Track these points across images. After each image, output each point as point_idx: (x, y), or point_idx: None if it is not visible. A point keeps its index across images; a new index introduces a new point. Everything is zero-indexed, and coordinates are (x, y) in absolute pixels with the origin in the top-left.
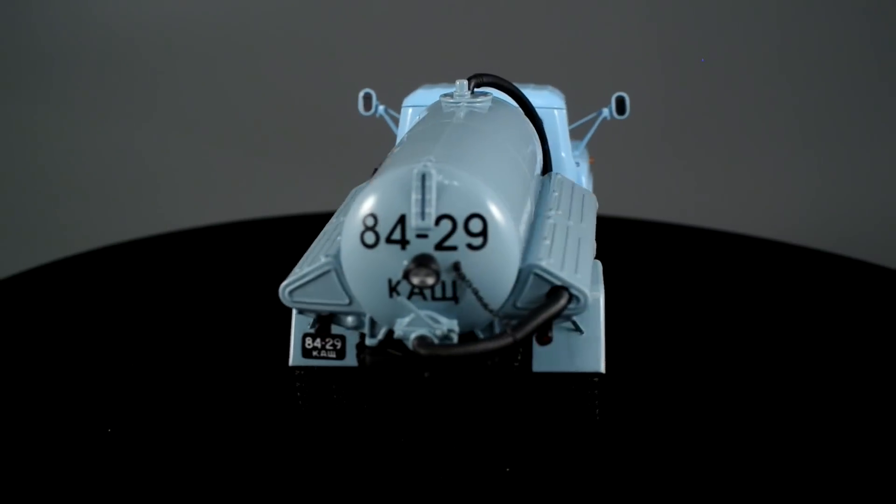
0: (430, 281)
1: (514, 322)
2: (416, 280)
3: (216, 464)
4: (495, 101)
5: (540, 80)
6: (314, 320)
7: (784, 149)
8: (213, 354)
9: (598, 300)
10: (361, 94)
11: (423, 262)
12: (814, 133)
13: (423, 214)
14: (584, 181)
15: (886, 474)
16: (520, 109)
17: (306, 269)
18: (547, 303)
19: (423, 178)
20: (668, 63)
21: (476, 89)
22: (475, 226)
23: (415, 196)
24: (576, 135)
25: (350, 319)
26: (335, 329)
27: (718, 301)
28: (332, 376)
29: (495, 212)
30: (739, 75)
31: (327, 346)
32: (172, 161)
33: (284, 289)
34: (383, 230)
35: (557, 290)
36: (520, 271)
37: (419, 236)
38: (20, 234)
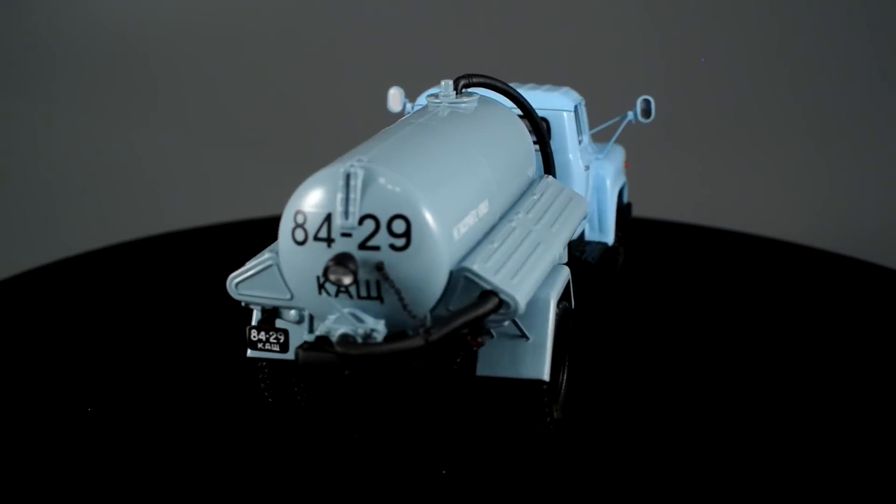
0: (347, 280)
1: (430, 324)
2: (332, 278)
3: (201, 457)
4: (484, 101)
5: (555, 81)
6: (259, 313)
7: (792, 149)
8: (210, 353)
9: (546, 306)
10: (391, 91)
11: (340, 260)
12: (821, 134)
13: (346, 213)
14: (608, 183)
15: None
16: (511, 111)
17: (251, 263)
18: (469, 306)
19: (348, 177)
20: (673, 63)
21: (465, 89)
22: (398, 227)
23: (339, 195)
24: (601, 137)
25: (293, 314)
26: (281, 323)
27: (724, 299)
28: (293, 369)
29: (420, 213)
30: (742, 76)
31: (271, 339)
32: (171, 162)
33: (231, 281)
34: (311, 228)
35: (486, 295)
36: (452, 274)
37: (344, 235)
38: (20, 235)
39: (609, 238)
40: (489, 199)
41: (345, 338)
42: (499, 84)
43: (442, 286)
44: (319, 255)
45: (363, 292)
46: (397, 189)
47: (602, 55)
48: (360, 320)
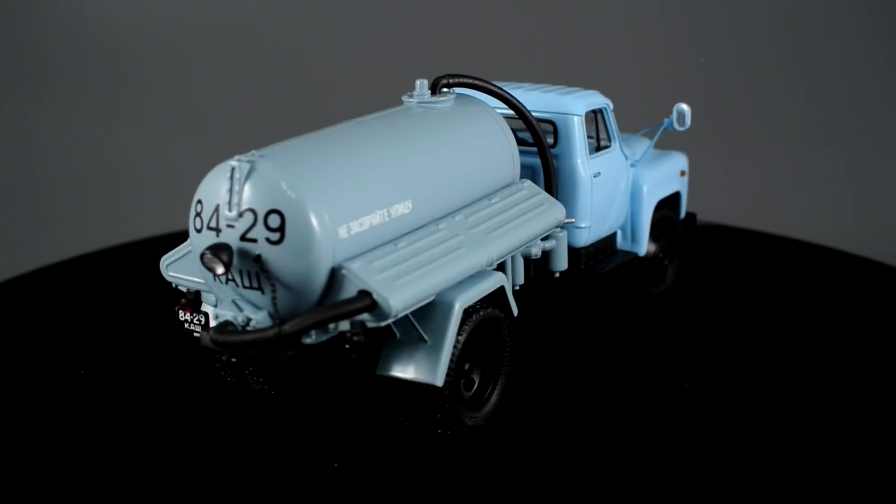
0: (219, 270)
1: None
2: (206, 266)
3: (196, 455)
4: (464, 101)
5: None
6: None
7: (800, 148)
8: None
9: (449, 311)
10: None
11: (214, 250)
12: (829, 133)
13: (230, 205)
14: (645, 191)
15: None
16: (492, 113)
17: (181, 246)
18: (335, 303)
19: (233, 171)
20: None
21: (445, 89)
22: (273, 221)
23: (225, 187)
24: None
25: (211, 297)
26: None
27: (730, 298)
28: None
29: (294, 210)
30: (746, 75)
31: (194, 321)
32: (171, 163)
33: (163, 262)
34: (205, 217)
35: (362, 294)
36: (334, 270)
37: (228, 226)
38: (19, 237)
39: (639, 249)
40: (413, 199)
41: (222, 325)
42: (484, 84)
43: (320, 282)
44: (209, 243)
45: (247, 282)
46: (274, 185)
47: (603, 55)
48: (240, 309)
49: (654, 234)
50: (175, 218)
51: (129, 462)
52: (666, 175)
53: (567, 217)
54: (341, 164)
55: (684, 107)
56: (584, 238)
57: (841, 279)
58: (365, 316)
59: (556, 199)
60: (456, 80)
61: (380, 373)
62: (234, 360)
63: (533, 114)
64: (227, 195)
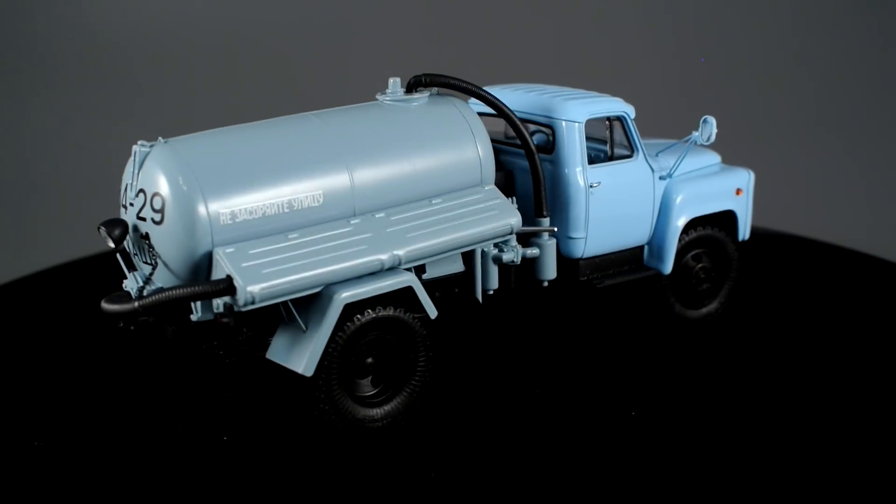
0: (109, 244)
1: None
2: (102, 238)
3: (194, 456)
4: (436, 101)
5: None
6: None
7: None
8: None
9: (328, 304)
10: None
11: (107, 225)
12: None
13: (131, 185)
14: (675, 206)
15: None
16: (463, 115)
17: None
18: (194, 284)
19: (134, 154)
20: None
21: (420, 88)
22: (157, 203)
23: (130, 169)
24: None
25: None
26: None
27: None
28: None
29: (172, 194)
30: (746, 75)
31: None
32: None
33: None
34: (122, 195)
35: (225, 278)
36: (212, 253)
37: (130, 204)
38: (18, 237)
39: (663, 267)
40: (326, 193)
41: (115, 295)
42: (465, 85)
43: (195, 262)
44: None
45: (144, 257)
46: (160, 169)
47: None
48: (138, 281)
49: (695, 254)
50: None
51: (129, 462)
52: (710, 191)
53: (560, 227)
54: (241, 155)
55: (711, 119)
56: (580, 249)
57: (854, 279)
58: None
59: (545, 205)
60: (433, 80)
61: (269, 357)
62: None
63: (533, 118)
64: (129, 176)
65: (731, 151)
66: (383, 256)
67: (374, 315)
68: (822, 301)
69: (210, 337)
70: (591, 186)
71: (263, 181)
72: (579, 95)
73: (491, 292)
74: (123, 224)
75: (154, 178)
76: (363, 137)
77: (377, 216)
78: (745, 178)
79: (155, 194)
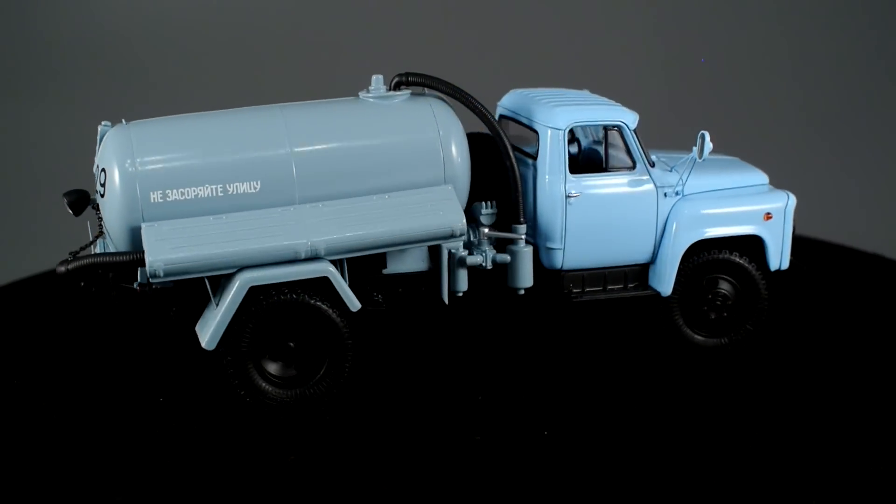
0: (70, 211)
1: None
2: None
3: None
4: (413, 100)
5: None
6: None
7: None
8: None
9: (234, 284)
10: None
11: (67, 193)
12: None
13: (96, 162)
14: (677, 224)
15: None
16: (429, 114)
17: None
18: (110, 253)
19: (98, 132)
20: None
21: (402, 86)
22: (102, 177)
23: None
24: None
25: None
26: None
27: None
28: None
29: (112, 170)
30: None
31: None
32: None
33: None
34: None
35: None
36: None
37: (97, 177)
38: (19, 238)
39: (662, 288)
40: (263, 181)
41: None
42: (440, 86)
43: (125, 235)
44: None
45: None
46: (108, 147)
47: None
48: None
49: (713, 279)
50: None
51: (129, 462)
52: (726, 213)
53: (538, 236)
54: (185, 139)
55: (705, 134)
56: (558, 260)
57: (861, 279)
58: None
59: (521, 211)
60: (413, 79)
61: (196, 328)
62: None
63: (525, 122)
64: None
65: (732, 151)
66: (297, 244)
67: (280, 299)
68: (831, 302)
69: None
70: (569, 196)
71: (200, 165)
72: (575, 101)
73: (460, 294)
74: (81, 193)
75: (104, 154)
76: (317, 130)
77: (307, 206)
78: (777, 202)
79: (103, 169)
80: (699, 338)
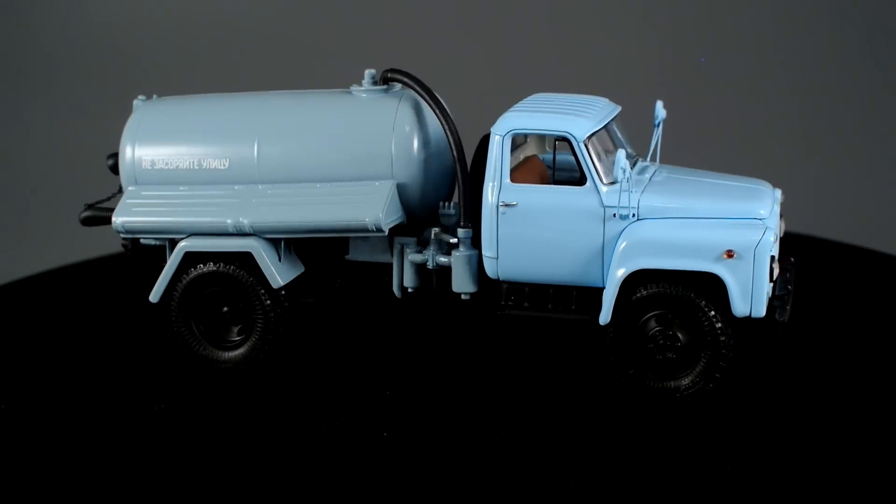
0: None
1: None
2: None
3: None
4: (388, 94)
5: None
6: None
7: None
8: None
9: (174, 253)
10: None
11: (111, 157)
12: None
13: None
14: (621, 248)
15: None
16: (391, 110)
17: None
18: (99, 208)
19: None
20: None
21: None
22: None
23: None
24: None
25: None
26: None
27: None
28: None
29: (122, 138)
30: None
31: None
32: None
33: None
34: None
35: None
36: None
37: None
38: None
39: (600, 316)
40: (231, 160)
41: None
42: (414, 85)
43: None
44: None
45: None
46: (128, 120)
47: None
48: None
49: (663, 315)
50: None
51: (129, 462)
52: (676, 244)
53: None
54: (184, 117)
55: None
56: (493, 269)
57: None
58: None
59: (463, 215)
60: (392, 76)
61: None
62: None
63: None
64: None
65: (731, 151)
66: (228, 220)
67: (210, 269)
68: (830, 298)
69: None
70: (504, 205)
71: (184, 140)
72: (537, 108)
73: (410, 290)
74: (115, 155)
75: (126, 126)
76: (289, 117)
77: (259, 187)
78: (744, 238)
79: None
80: (655, 382)
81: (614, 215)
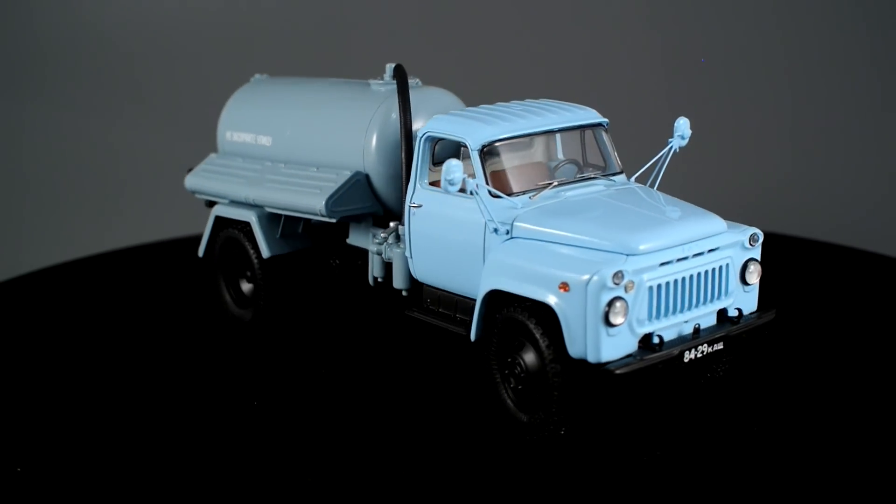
0: None
1: None
2: None
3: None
4: (381, 92)
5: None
6: None
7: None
8: (205, 360)
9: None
10: None
11: None
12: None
13: None
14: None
15: None
16: (373, 106)
17: None
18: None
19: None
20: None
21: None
22: None
23: None
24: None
25: None
26: None
27: None
28: None
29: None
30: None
31: None
32: (171, 167)
33: None
34: None
35: None
36: None
37: None
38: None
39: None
40: (273, 138)
41: None
42: (397, 84)
43: None
44: None
45: None
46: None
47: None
48: None
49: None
50: (173, 224)
51: (128, 462)
52: (523, 269)
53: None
54: (259, 100)
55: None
56: (412, 269)
57: (851, 275)
58: None
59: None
60: (395, 74)
61: None
62: None
63: None
64: None
65: (730, 152)
66: (240, 193)
67: (227, 234)
68: (821, 298)
69: None
70: (414, 206)
71: (250, 121)
72: (461, 114)
73: (379, 280)
74: None
75: None
76: (310, 106)
77: (279, 165)
78: (578, 273)
79: None
80: (510, 404)
81: (495, 230)
